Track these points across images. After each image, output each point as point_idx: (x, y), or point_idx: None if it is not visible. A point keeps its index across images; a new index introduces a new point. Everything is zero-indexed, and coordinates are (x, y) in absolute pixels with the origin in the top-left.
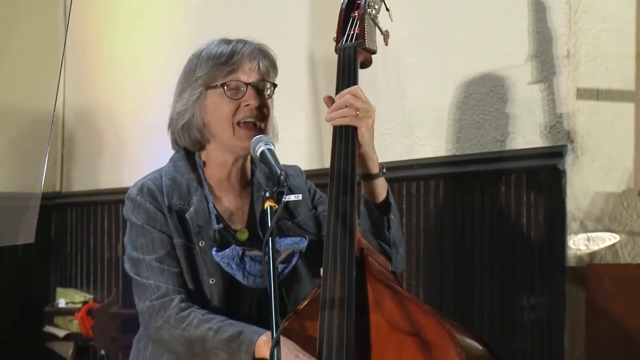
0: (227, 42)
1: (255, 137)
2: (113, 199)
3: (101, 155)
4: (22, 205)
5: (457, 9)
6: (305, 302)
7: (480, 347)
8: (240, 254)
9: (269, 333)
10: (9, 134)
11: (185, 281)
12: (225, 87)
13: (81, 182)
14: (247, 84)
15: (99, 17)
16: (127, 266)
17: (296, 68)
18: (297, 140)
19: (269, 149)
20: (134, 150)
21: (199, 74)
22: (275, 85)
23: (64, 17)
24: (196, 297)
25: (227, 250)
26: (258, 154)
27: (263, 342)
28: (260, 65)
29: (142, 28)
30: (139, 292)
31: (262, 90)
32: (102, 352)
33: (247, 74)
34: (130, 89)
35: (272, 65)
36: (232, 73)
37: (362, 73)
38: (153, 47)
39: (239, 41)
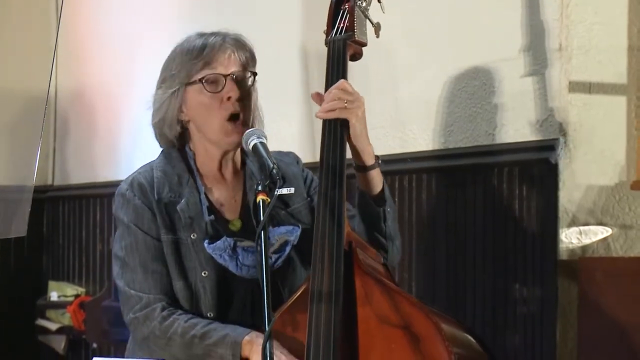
0: (201, 35)
1: (247, 131)
2: (106, 192)
3: (94, 148)
4: (14, 198)
5: (450, 3)
6: (297, 294)
7: (469, 339)
8: (232, 245)
9: (252, 333)
10: (0, 126)
11: (172, 282)
12: (203, 82)
13: (74, 175)
14: (225, 76)
15: (91, 4)
16: (113, 264)
17: (288, 61)
18: (289, 134)
19: (261, 142)
20: (127, 144)
21: (173, 72)
22: (255, 74)
23: (55, 7)
24: (186, 292)
25: (219, 242)
26: (250, 147)
27: (246, 342)
28: (236, 55)
29: (136, 14)
30: (122, 300)
31: (241, 80)
32: (95, 345)
33: (224, 66)
34: (124, 81)
35: (249, 54)
36: (207, 66)
37: (354, 66)
38: (147, 34)
39: (212, 34)
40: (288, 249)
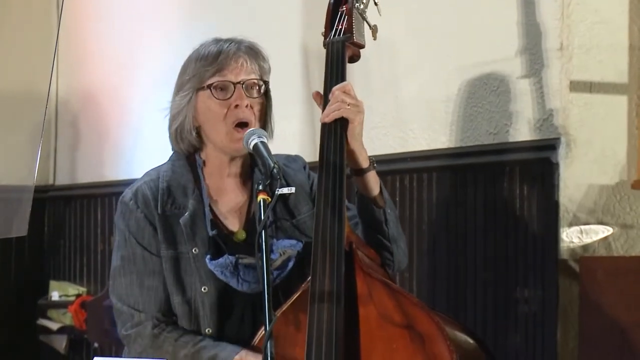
0: (217, 42)
1: (248, 131)
2: (107, 192)
3: (94, 148)
4: (15, 198)
5: (452, 2)
6: (297, 295)
7: (469, 340)
8: (234, 262)
9: (242, 352)
10: (1, 125)
11: (168, 298)
12: (212, 88)
13: (75, 175)
14: (235, 84)
15: (91, 4)
16: (110, 274)
17: (289, 60)
18: (290, 134)
19: (262, 142)
20: (128, 143)
21: (187, 77)
22: (266, 83)
23: (56, 7)
24: (185, 307)
25: (221, 259)
26: (251, 147)
27: None
28: (248, 63)
29: (136, 14)
30: (115, 315)
31: (251, 88)
32: (96, 344)
33: (235, 73)
34: (124, 81)
35: (262, 62)
36: (218, 73)
37: (355, 66)
38: (147, 33)
39: (227, 40)
40: (290, 264)
